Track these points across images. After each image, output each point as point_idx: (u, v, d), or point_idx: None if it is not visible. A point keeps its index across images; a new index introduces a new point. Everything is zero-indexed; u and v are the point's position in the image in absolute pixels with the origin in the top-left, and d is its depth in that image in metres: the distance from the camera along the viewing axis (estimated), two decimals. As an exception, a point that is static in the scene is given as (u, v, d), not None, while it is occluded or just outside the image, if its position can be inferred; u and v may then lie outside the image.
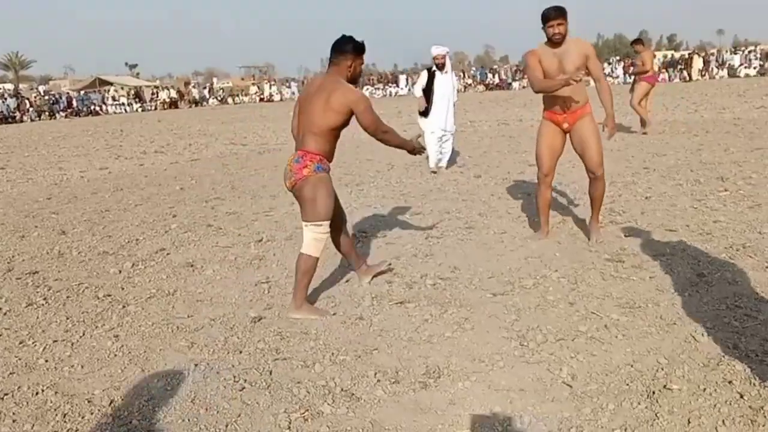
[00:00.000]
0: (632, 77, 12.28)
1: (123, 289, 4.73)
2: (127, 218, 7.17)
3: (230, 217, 6.90)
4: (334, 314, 3.97)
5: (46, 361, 3.51)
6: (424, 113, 9.00)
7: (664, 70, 36.96)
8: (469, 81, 41.28)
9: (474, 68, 48.23)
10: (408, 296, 4.19)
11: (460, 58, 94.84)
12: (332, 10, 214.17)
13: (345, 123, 3.77)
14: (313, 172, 3.75)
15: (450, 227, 5.93)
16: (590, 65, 4.60)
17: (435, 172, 9.03)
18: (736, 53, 36.12)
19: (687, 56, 37.39)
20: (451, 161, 9.56)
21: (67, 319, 4.14)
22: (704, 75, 33.90)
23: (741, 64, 33.43)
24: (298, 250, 5.30)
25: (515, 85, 39.10)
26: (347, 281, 4.60)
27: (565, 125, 4.82)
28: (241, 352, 3.52)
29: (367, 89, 43.24)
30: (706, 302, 3.70)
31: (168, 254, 5.58)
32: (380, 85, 43.56)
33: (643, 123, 11.95)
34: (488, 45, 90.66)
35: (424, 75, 9.02)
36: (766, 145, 9.36)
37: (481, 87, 40.10)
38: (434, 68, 8.88)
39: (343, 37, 3.80)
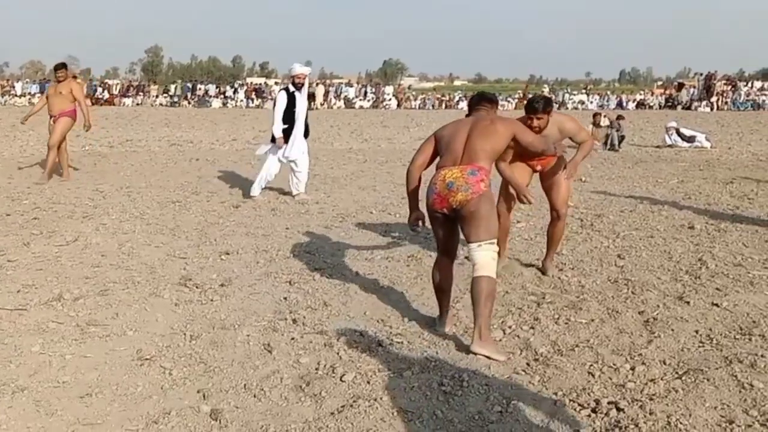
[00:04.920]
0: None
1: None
2: None
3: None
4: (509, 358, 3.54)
5: None
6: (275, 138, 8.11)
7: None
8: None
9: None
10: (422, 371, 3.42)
11: (38, 68, 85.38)
12: None
13: (504, 148, 3.95)
14: (488, 187, 3.71)
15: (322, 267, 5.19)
16: (575, 139, 4.74)
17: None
18: (350, 86, 40.43)
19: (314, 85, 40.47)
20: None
21: None
22: (324, 104, 37.02)
23: (356, 96, 37.52)
24: (174, 335, 3.97)
25: (128, 101, 37.59)
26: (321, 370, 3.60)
27: (539, 167, 4.73)
28: None
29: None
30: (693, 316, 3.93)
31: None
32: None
33: (54, 170, 9.59)
34: (71, 56, 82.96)
35: (283, 97, 8.03)
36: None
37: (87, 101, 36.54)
38: (293, 89, 8.05)
39: (492, 93, 4.41)
